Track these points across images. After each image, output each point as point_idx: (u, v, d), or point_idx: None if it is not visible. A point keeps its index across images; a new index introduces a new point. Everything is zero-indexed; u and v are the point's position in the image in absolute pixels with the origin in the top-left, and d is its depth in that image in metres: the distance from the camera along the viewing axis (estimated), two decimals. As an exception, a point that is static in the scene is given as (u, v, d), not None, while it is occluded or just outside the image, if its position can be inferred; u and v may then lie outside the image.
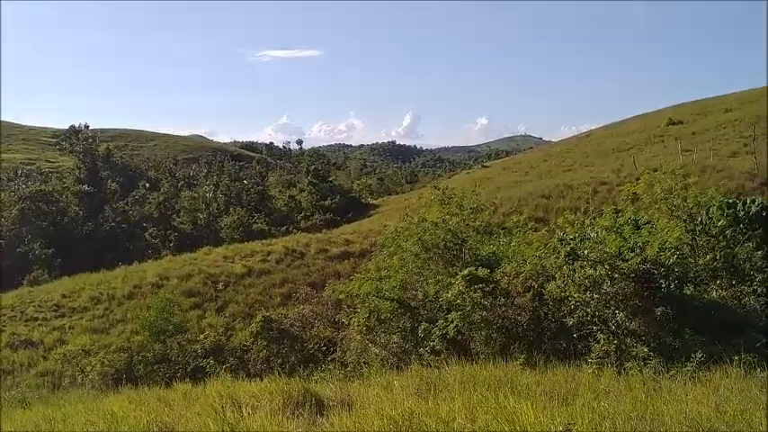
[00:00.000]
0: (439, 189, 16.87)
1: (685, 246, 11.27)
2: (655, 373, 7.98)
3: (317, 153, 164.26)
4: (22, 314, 29.41)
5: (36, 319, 28.97)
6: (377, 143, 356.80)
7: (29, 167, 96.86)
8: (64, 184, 67.34)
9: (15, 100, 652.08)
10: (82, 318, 29.07)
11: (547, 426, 4.69)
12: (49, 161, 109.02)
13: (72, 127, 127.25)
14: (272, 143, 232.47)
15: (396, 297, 13.09)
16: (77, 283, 33.77)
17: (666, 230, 11.78)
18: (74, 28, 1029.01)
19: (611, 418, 5.36)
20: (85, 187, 62.16)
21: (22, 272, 44.06)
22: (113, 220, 59.31)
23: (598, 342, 9.72)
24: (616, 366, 8.77)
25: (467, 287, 11.37)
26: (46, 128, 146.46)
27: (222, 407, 5.94)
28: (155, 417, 5.84)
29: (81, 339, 25.50)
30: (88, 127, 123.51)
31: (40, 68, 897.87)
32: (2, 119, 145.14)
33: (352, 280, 15.03)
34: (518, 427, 4.71)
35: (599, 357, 9.34)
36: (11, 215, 53.52)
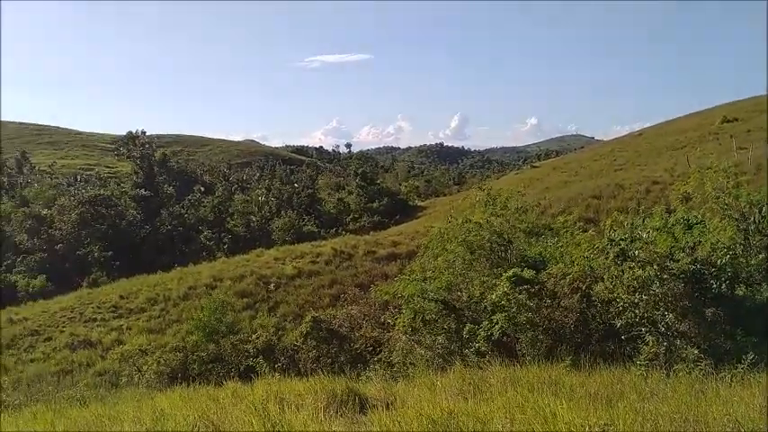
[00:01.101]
0: (483, 190, 16.80)
1: (738, 245, 10.95)
2: (704, 376, 7.84)
3: (365, 156, 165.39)
4: (81, 315, 30.47)
5: (95, 319, 29.99)
6: (424, 145, 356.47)
7: (88, 173, 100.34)
8: (122, 188, 69.39)
9: (75, 107, 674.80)
10: (139, 318, 29.95)
11: (582, 426, 4.69)
12: (108, 166, 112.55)
13: (129, 133, 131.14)
14: (321, 147, 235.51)
15: (440, 298, 13.12)
16: (135, 284, 34.81)
17: (718, 230, 11.50)
18: (130, 38, 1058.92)
19: (653, 419, 5.32)
20: (143, 191, 63.99)
21: (81, 274, 45.75)
22: (169, 224, 60.84)
23: (647, 344, 9.55)
24: (665, 368, 8.62)
25: (512, 288, 11.33)
26: (104, 134, 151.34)
27: (265, 405, 6.09)
28: (201, 414, 6.02)
29: (138, 339, 26.21)
30: (145, 133, 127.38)
31: (101, 77, 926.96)
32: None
33: (398, 281, 15.07)
34: (553, 428, 4.72)
35: (648, 359, 9.18)
36: (71, 219, 55.35)
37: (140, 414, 6.49)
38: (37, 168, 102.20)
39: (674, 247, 10.32)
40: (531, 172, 71.94)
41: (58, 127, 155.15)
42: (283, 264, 35.50)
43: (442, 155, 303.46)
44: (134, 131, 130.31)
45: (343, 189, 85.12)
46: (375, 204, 71.52)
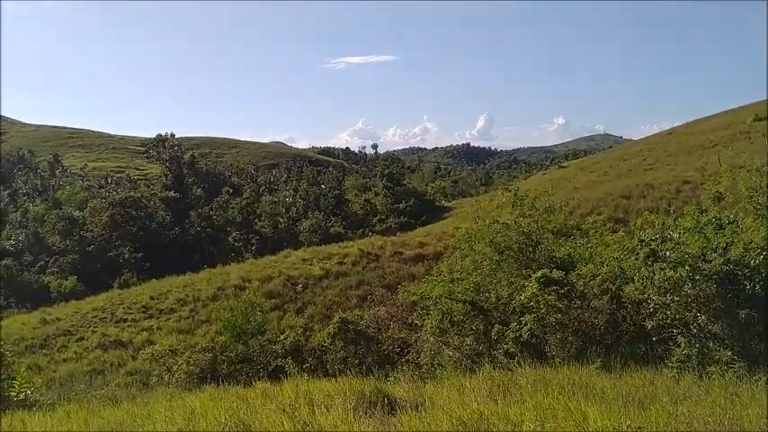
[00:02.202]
0: (510, 191, 16.74)
1: (772, 245, 10.73)
2: (738, 378, 7.72)
3: (391, 157, 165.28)
4: (113, 316, 30.94)
5: (126, 320, 30.43)
6: (451, 146, 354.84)
7: (119, 175, 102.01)
8: (152, 190, 70.30)
9: (106, 111, 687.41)
10: (169, 319, 30.31)
11: (614, 429, 4.65)
12: (138, 169, 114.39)
13: (159, 136, 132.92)
14: (348, 148, 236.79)
15: (468, 299, 13.08)
16: (164, 285, 35.24)
17: (752, 230, 11.28)
18: (161, 42, 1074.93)
19: (686, 422, 5.25)
20: (172, 193, 64.73)
21: (112, 275, 46.43)
22: (198, 225, 61.43)
23: (679, 346, 9.42)
24: (697, 371, 8.50)
25: (540, 289, 11.26)
26: (134, 137, 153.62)
27: (293, 405, 6.12)
28: (232, 414, 6.07)
29: (168, 340, 26.52)
30: (174, 135, 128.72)
31: (131, 79, 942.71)
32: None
33: (425, 282, 15.05)
34: (585, 430, 4.68)
35: (680, 361, 9.06)
36: (102, 221, 56.17)
37: (172, 414, 6.57)
38: (69, 171, 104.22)
39: (705, 247, 10.15)
40: (558, 172, 71.24)
41: (89, 130, 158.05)
42: (311, 265, 35.67)
43: (469, 155, 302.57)
44: (163, 134, 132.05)
45: (370, 190, 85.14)
46: (402, 205, 71.49)
